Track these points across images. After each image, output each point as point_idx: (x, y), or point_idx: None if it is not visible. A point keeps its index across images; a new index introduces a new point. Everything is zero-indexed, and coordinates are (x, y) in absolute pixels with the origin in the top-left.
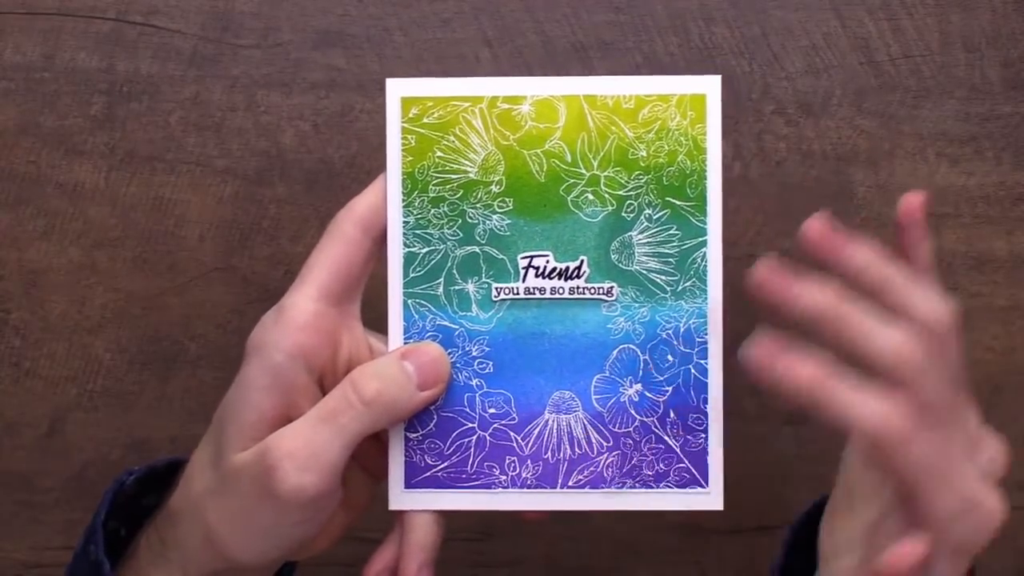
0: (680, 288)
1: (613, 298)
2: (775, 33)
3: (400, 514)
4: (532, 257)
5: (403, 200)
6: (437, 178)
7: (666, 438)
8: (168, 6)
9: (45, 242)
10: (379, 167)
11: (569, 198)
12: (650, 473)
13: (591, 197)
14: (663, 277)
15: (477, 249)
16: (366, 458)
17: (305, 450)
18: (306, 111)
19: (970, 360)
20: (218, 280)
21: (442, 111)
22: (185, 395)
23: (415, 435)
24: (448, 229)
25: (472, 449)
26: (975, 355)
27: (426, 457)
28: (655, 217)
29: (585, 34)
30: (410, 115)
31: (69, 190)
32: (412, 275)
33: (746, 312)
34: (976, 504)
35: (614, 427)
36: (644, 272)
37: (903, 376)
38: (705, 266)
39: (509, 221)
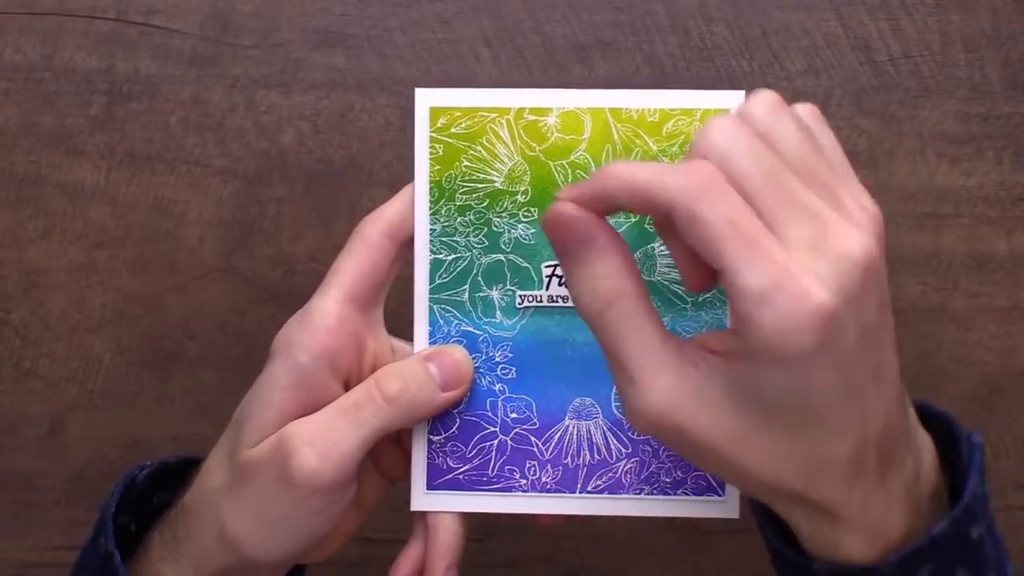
0: (700, 299)
1: None
2: (775, 33)
3: (423, 516)
4: (556, 266)
5: (430, 208)
6: (464, 187)
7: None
8: (168, 6)
9: (45, 242)
10: (379, 167)
11: None
12: (668, 480)
13: None
14: (684, 288)
15: (502, 257)
16: (383, 459)
17: (324, 439)
18: (306, 111)
19: (970, 360)
20: (218, 280)
21: (470, 121)
22: (185, 395)
23: (438, 438)
24: (474, 237)
25: (493, 453)
26: (975, 355)
27: (448, 460)
28: None
29: (585, 34)
30: (438, 125)
31: (69, 190)
32: (438, 281)
33: None
34: (788, 285)
35: (633, 434)
36: (666, 283)
37: (708, 146)
38: None
39: (534, 230)
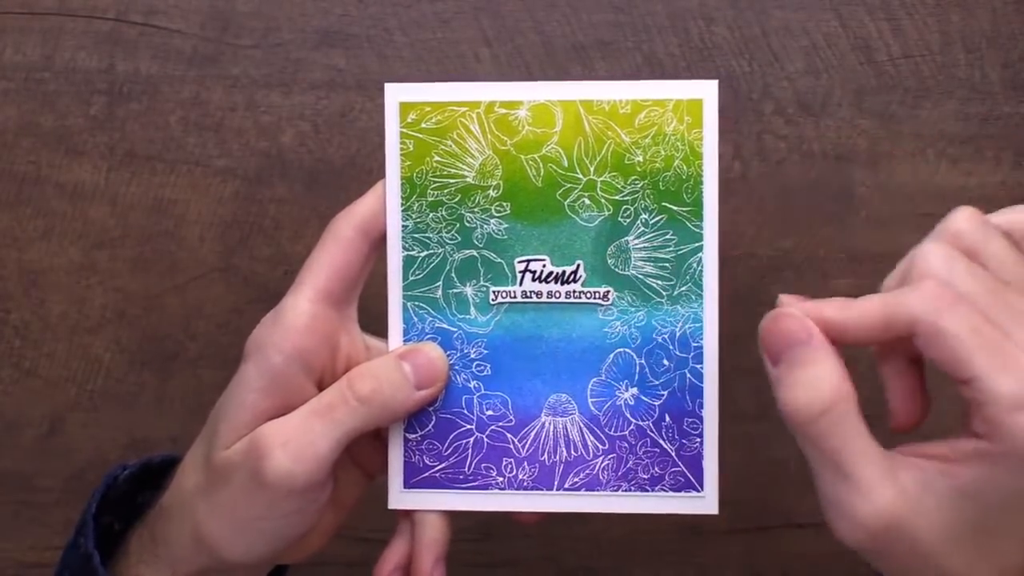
0: (676, 293)
1: (609, 302)
2: (775, 33)
3: (406, 512)
4: (529, 261)
5: (402, 204)
6: (435, 182)
7: (661, 442)
8: (168, 6)
9: (45, 242)
10: (379, 167)
11: (566, 203)
12: (645, 476)
13: (588, 202)
14: (659, 282)
15: (475, 253)
16: (361, 454)
17: (297, 440)
18: (306, 111)
19: None
20: (218, 280)
21: (440, 116)
22: (185, 395)
23: (414, 436)
24: (446, 233)
25: (470, 450)
26: None
27: (425, 458)
28: (651, 222)
29: (585, 34)
30: (408, 120)
31: (69, 190)
32: (411, 278)
33: (745, 312)
34: None
35: (610, 430)
36: (640, 277)
37: (926, 270)
38: (701, 271)
39: (506, 225)
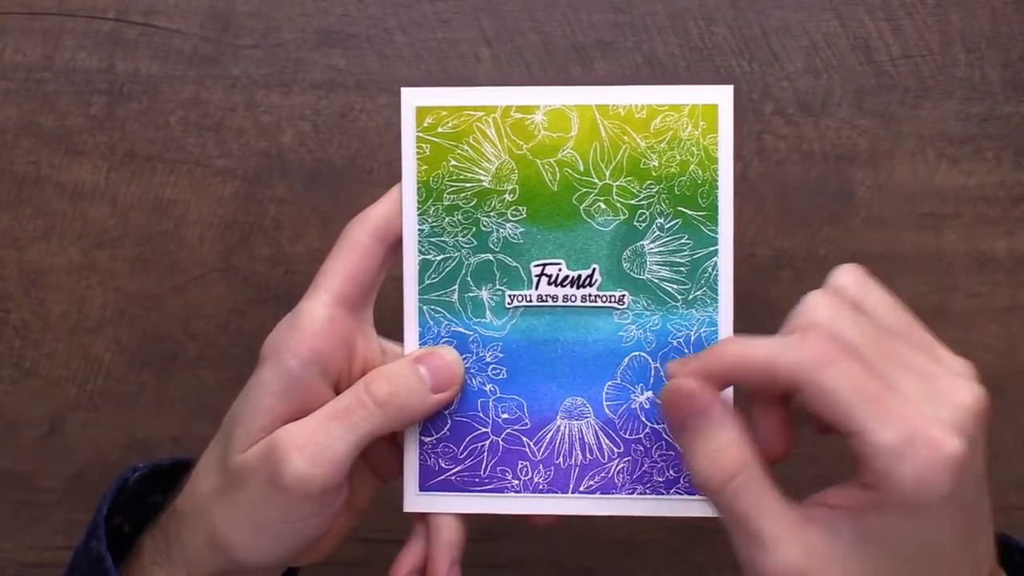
0: (691, 297)
1: (625, 306)
2: (775, 33)
3: (421, 515)
4: (545, 265)
5: (418, 208)
6: (451, 187)
7: (676, 445)
8: (168, 6)
9: (45, 242)
10: (379, 167)
11: (582, 207)
12: (660, 480)
13: (603, 206)
14: (674, 286)
15: (491, 257)
16: (376, 458)
17: (314, 444)
18: (306, 111)
19: (970, 360)
20: (218, 280)
21: (456, 120)
22: (185, 395)
23: (430, 439)
24: (462, 237)
25: (485, 453)
26: (975, 355)
27: (440, 461)
28: (667, 226)
29: (585, 34)
30: (425, 124)
31: (69, 190)
32: (427, 282)
33: (745, 313)
34: (921, 437)
35: (625, 433)
36: (655, 281)
37: (813, 320)
38: (716, 275)
39: (522, 229)
